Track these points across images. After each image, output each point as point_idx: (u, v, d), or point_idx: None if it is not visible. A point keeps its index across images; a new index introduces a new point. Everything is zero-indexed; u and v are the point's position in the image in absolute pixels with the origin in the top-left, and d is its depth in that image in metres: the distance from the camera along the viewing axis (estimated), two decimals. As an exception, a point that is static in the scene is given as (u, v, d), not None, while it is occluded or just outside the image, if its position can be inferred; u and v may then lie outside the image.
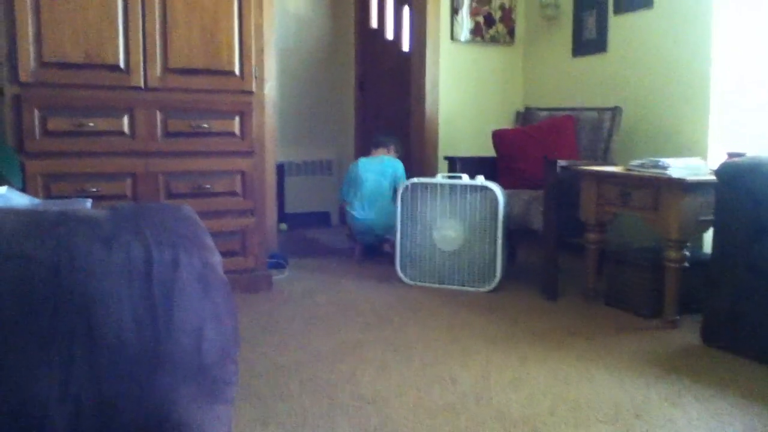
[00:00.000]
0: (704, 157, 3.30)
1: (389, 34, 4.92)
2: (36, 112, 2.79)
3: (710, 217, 2.63)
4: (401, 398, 2.02)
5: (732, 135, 3.32)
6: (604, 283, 3.14)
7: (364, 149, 5.35)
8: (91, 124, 2.87)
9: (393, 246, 3.89)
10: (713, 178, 2.58)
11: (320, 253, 4.29)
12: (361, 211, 3.97)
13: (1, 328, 0.76)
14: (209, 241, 0.93)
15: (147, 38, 2.93)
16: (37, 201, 1.35)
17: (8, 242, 0.78)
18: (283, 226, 5.03)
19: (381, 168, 4.02)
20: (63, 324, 0.77)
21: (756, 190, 2.35)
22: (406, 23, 4.66)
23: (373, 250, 4.09)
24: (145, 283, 0.81)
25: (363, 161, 4.10)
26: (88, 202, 1.34)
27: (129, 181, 2.96)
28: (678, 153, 3.40)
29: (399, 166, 4.06)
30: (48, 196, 2.80)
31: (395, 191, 3.89)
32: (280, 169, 4.93)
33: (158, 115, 2.99)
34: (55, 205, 1.32)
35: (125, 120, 2.93)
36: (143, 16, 2.91)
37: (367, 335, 2.62)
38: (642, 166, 2.89)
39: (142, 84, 2.94)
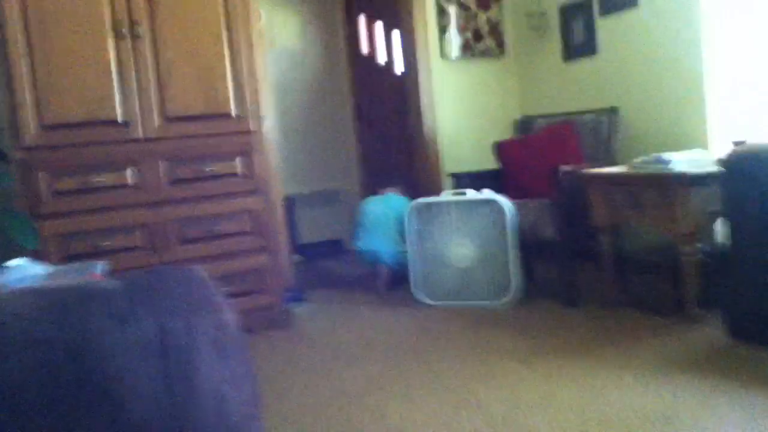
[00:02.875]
0: (706, 147, 3.30)
1: (381, 59, 4.96)
2: (43, 175, 2.83)
3: (718, 208, 2.62)
4: (430, 428, 2.02)
5: (732, 122, 3.32)
6: (622, 287, 3.13)
7: (369, 174, 5.38)
8: (98, 180, 2.91)
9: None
10: (716, 168, 2.58)
11: (336, 282, 4.30)
12: (365, 241, 3.96)
13: (26, 416, 0.77)
14: (220, 300, 0.94)
15: (143, 91, 2.98)
16: (51, 269, 1.37)
17: (28, 328, 0.80)
18: (298, 258, 5.04)
19: (388, 202, 4.02)
20: (84, 407, 0.79)
21: (765, 179, 2.33)
22: (397, 46, 4.71)
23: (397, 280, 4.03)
24: (162, 355, 0.83)
25: (370, 198, 4.15)
26: (99, 266, 1.36)
27: (140, 232, 2.99)
28: (680, 146, 3.40)
29: (405, 203, 3.92)
30: (64, 256, 2.84)
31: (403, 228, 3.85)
32: (291, 202, 4.96)
33: (162, 165, 3.03)
34: (69, 271, 1.34)
35: (130, 173, 2.97)
36: (137, 70, 2.96)
37: (390, 366, 2.62)
38: (645, 163, 2.90)
39: (142, 136, 2.98)
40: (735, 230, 2.48)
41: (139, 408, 0.81)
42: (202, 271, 0.98)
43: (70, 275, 1.24)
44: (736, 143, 2.90)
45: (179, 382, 0.84)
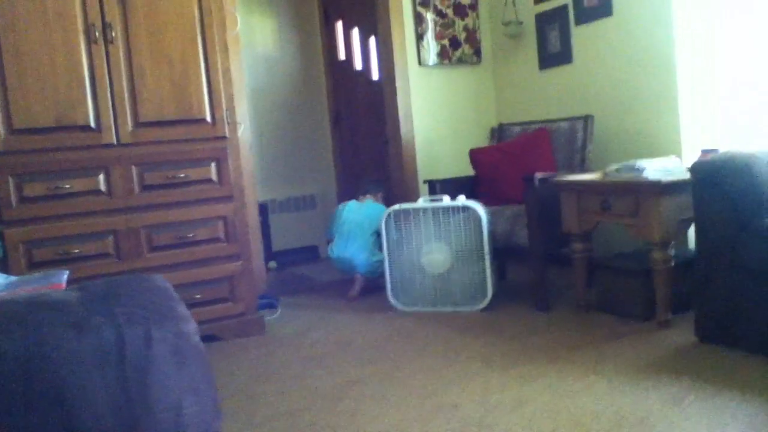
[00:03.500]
0: (679, 155, 3.33)
1: (358, 65, 4.96)
2: (11, 180, 2.77)
3: (691, 216, 2.65)
4: (404, 431, 2.01)
5: (705, 129, 3.37)
6: (594, 292, 3.15)
7: (345, 180, 5.37)
8: (68, 186, 2.86)
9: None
10: (689, 176, 2.60)
11: (311, 289, 4.27)
12: (340, 248, 3.94)
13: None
14: (182, 310, 0.92)
15: (115, 95, 2.94)
16: (12, 278, 1.33)
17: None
18: (272, 264, 5.01)
19: (366, 211, 3.99)
20: (37, 417, 0.76)
21: (730, 187, 2.37)
22: (374, 53, 4.71)
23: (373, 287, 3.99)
24: (119, 364, 0.81)
25: (349, 204, 4.10)
26: (64, 275, 1.33)
27: (110, 238, 2.94)
28: (653, 154, 3.43)
29: (382, 212, 3.89)
30: (30, 263, 2.78)
31: (378, 236, 3.84)
32: (264, 209, 4.93)
33: (134, 170, 2.99)
34: (30, 281, 1.30)
35: (101, 178, 2.92)
36: (110, 74, 2.92)
37: (364, 370, 2.60)
38: (618, 170, 2.92)
39: (114, 141, 2.94)
40: (702, 238, 2.50)
41: (92, 418, 0.79)
42: (163, 279, 0.96)
43: (32, 285, 1.21)
44: (705, 151, 2.94)
45: (136, 393, 0.82)
